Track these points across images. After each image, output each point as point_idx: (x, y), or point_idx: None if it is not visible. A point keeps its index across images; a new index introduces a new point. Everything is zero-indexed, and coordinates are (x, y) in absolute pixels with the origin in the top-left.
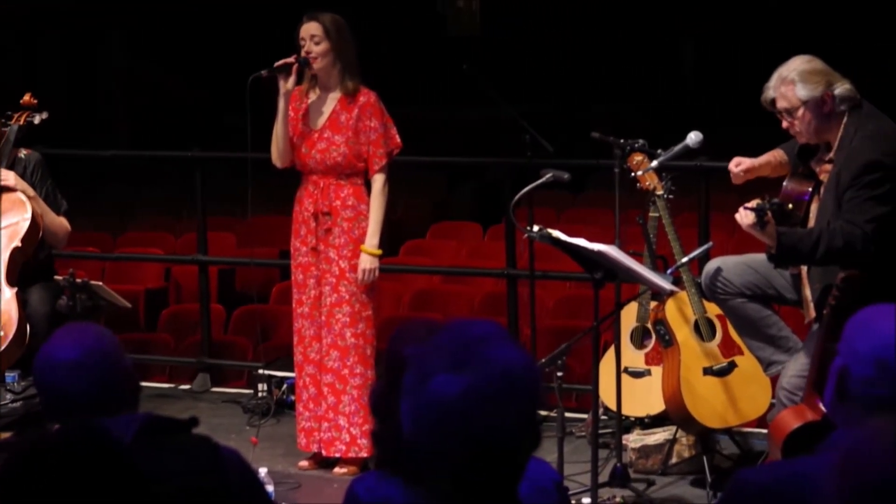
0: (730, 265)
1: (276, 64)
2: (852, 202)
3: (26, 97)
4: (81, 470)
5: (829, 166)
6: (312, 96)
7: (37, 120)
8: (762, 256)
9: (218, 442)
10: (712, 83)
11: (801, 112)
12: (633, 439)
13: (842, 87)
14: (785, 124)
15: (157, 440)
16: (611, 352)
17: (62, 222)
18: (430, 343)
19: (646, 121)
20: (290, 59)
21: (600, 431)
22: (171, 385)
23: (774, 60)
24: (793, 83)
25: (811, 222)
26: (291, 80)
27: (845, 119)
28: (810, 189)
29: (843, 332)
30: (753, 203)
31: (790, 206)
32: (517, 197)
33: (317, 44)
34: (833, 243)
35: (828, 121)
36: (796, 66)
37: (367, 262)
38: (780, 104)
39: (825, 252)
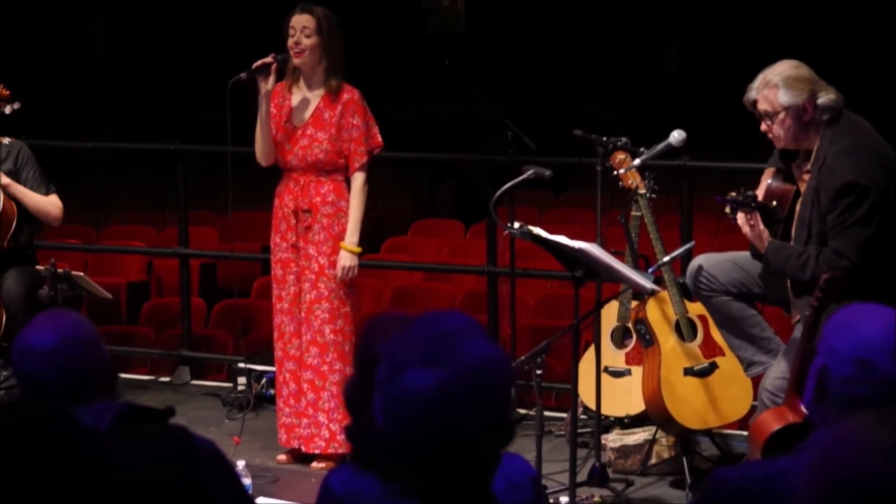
0: (715, 262)
1: (255, 65)
2: (836, 228)
3: None
4: (42, 453)
5: (807, 176)
6: (295, 92)
7: (7, 110)
8: (748, 254)
9: (193, 432)
10: (696, 84)
11: (781, 117)
12: (613, 439)
13: (825, 98)
14: (763, 127)
15: (132, 429)
16: (591, 351)
17: (50, 200)
18: (402, 337)
19: (629, 121)
20: (269, 59)
21: (579, 431)
22: (152, 377)
23: (758, 62)
24: (776, 87)
25: (794, 228)
26: (271, 79)
27: (822, 130)
28: (794, 188)
29: (822, 331)
30: (729, 195)
31: (774, 203)
32: (498, 193)
33: (307, 36)
34: (818, 271)
35: (807, 129)
36: (782, 70)
37: (346, 260)
38: (762, 106)
39: (811, 278)
